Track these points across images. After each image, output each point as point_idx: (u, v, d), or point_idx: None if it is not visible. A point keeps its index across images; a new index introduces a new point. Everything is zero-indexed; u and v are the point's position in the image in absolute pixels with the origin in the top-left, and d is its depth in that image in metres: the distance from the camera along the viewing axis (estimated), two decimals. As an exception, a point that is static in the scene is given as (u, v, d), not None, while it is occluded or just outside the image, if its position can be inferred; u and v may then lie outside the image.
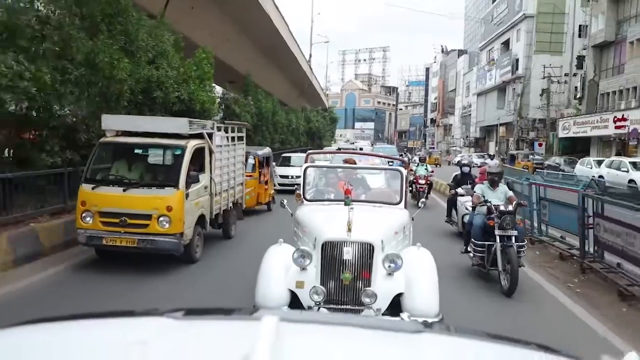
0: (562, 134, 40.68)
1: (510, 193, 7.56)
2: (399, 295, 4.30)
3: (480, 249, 7.02)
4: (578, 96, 40.83)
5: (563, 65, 45.83)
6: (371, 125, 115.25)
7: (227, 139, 9.41)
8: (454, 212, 11.14)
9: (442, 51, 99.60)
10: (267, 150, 14.48)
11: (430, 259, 4.63)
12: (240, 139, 10.40)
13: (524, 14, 50.57)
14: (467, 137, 73.47)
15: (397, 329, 1.25)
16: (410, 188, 14.77)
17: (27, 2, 7.57)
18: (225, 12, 19.53)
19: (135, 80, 10.01)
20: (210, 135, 8.31)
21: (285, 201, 5.70)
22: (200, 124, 8.17)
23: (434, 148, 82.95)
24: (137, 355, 0.99)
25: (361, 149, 29.17)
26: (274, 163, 16.95)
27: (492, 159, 16.72)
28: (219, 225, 9.33)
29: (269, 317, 1.00)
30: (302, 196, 5.62)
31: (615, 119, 32.33)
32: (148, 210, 7.08)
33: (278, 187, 16.41)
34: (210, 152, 8.32)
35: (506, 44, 56.90)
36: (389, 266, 4.32)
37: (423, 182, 14.93)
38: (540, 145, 43.76)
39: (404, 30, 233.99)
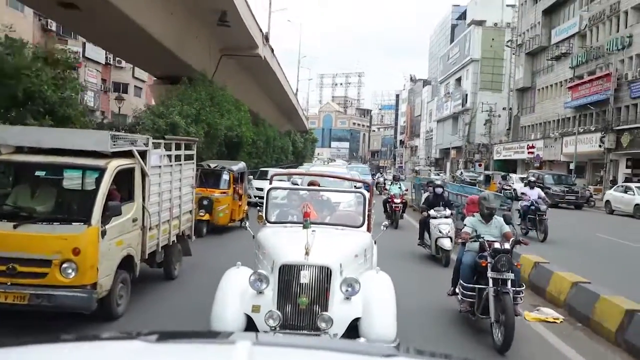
0: (496, 156, 51.59)
1: (507, 228, 6.48)
2: (357, 319, 4.25)
3: (469, 292, 5.98)
4: (507, 127, 51.94)
5: (499, 101, 56.98)
6: (346, 144, 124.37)
7: (170, 158, 7.71)
8: (426, 234, 10.58)
9: (411, 79, 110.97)
10: (241, 165, 13.94)
11: (389, 283, 4.57)
12: (188, 157, 8.56)
13: (471, 58, 61.99)
14: (428, 157, 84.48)
15: (369, 352, 1.26)
16: (385, 207, 15.15)
17: (193, 100, 17.22)
18: (249, 73, 29.40)
19: (224, 128, 19.59)
20: (143, 154, 6.69)
21: (247, 223, 5.71)
22: (128, 139, 6.56)
23: (402, 167, 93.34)
24: None
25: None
26: (250, 177, 17.67)
27: (531, 188, 14.47)
28: (158, 264, 7.62)
29: (243, 341, 1.02)
30: (264, 218, 5.48)
31: (528, 146, 43.24)
32: (47, 255, 5.29)
33: (254, 200, 16.49)
34: (143, 174, 6.64)
35: (459, 80, 68.31)
36: (347, 290, 4.28)
37: (398, 201, 14.61)
38: (480, 165, 54.47)
39: (379, 51, 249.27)
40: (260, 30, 26.65)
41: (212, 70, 23.52)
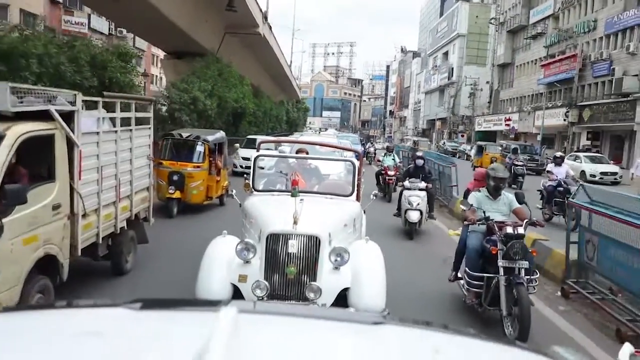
0: (477, 128, 55.06)
1: (517, 204, 5.52)
2: (345, 289, 4.22)
3: (476, 282, 5.24)
4: (488, 101, 55.34)
5: (483, 75, 60.04)
6: (338, 114, 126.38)
7: (113, 122, 6.06)
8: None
9: (402, 50, 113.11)
10: (219, 135, 12.29)
11: (378, 253, 4.52)
12: (142, 121, 7.01)
13: (458, 33, 64.69)
14: (416, 128, 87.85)
15: (356, 320, 1.27)
16: (378, 180, 14.63)
17: (208, 77, 20.28)
18: (250, 50, 32.33)
19: (232, 100, 22.73)
20: (69, 117, 4.99)
21: (234, 191, 5.63)
22: (43, 94, 4.79)
23: (391, 136, 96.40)
24: (93, 345, 0.98)
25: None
26: (237, 145, 17.25)
27: (558, 165, 12.20)
28: (104, 256, 6.08)
29: (228, 308, 1.02)
30: (251, 186, 5.40)
31: (505, 119, 46.71)
32: None
33: (239, 170, 15.94)
34: (70, 144, 4.99)
35: (446, 54, 71.09)
36: (335, 260, 4.24)
37: (392, 173, 14.02)
38: (462, 136, 58.09)
39: (373, 18, 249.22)
40: (260, 10, 29.52)
41: (217, 47, 26.51)
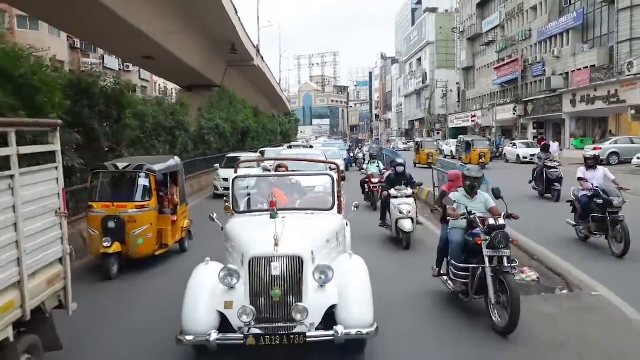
0: (451, 125, 61.94)
1: (492, 203, 6.06)
2: (333, 307, 4.23)
3: (462, 273, 5.68)
4: (457, 100, 62.38)
5: (453, 77, 66.96)
6: (327, 121, 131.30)
7: None
8: (388, 215, 10.03)
9: (382, 57, 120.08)
10: (172, 162, 9.42)
11: (363, 267, 4.58)
12: (44, 158, 4.97)
13: (427, 41, 71.74)
14: (400, 129, 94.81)
15: None
16: (363, 188, 14.58)
17: (223, 107, 26.93)
18: (247, 77, 39.09)
19: (240, 122, 29.26)
20: None
21: (215, 214, 5.51)
22: None
23: (378, 139, 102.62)
24: None
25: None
26: (217, 165, 16.71)
27: (591, 168, 9.30)
28: None
29: None
30: (231, 208, 5.46)
31: (471, 115, 53.57)
32: None
33: (220, 192, 15.53)
34: None
35: (419, 60, 78.13)
36: (320, 278, 4.26)
37: (376, 180, 13.71)
38: (438, 133, 64.96)
39: (353, 30, 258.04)
40: (254, 46, 36.32)
41: (221, 79, 33.17)
